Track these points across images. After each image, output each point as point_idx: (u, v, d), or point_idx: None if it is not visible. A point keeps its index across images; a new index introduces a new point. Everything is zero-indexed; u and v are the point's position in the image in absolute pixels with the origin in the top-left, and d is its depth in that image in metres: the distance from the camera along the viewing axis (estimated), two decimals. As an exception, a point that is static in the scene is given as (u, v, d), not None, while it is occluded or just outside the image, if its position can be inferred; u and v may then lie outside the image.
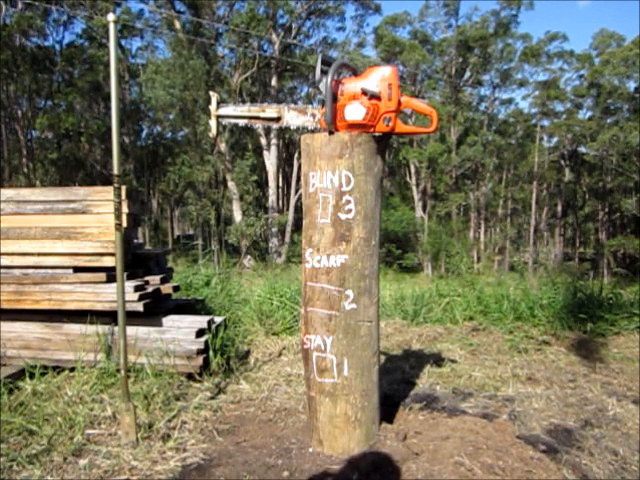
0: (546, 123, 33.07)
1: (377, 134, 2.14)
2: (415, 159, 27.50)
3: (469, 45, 28.73)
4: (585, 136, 30.63)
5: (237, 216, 22.53)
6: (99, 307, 3.09)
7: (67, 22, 25.08)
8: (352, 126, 2.10)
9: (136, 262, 3.45)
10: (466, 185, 31.11)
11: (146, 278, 3.34)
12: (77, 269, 3.20)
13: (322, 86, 2.04)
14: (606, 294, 4.92)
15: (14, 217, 3.29)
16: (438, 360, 3.52)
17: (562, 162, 34.21)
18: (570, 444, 2.29)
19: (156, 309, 3.33)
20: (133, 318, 3.06)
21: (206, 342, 3.15)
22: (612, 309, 4.49)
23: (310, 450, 2.25)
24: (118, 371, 2.88)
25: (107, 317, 3.14)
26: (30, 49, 23.54)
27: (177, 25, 21.92)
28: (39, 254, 3.24)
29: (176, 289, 3.60)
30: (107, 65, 21.44)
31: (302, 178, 2.24)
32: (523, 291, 5.17)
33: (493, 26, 29.38)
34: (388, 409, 2.60)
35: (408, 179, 30.37)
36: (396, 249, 25.35)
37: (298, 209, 24.57)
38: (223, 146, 22.18)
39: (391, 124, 2.09)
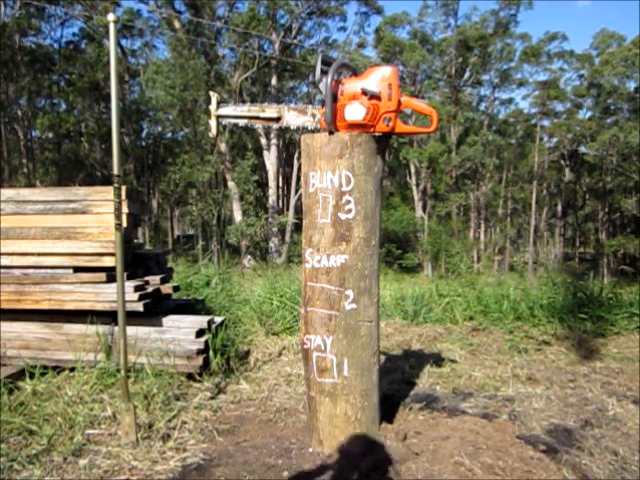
0: (546, 123, 33.05)
1: (377, 134, 2.14)
2: (415, 159, 27.45)
3: (469, 45, 28.66)
4: (585, 136, 30.59)
5: (237, 216, 22.50)
6: (99, 307, 3.10)
7: (65, 21, 25.09)
8: (352, 126, 2.10)
9: (136, 262, 3.45)
10: (466, 185, 31.06)
11: (146, 278, 3.34)
12: (77, 269, 3.20)
13: (322, 86, 2.04)
14: (606, 294, 4.93)
15: (14, 217, 3.29)
16: (438, 360, 3.52)
17: (562, 162, 34.17)
18: (570, 444, 2.29)
19: (156, 309, 3.33)
20: (133, 318, 3.06)
21: (206, 342, 3.15)
22: (612, 309, 4.49)
23: (310, 450, 2.25)
24: (118, 371, 2.88)
25: (107, 317, 3.14)
26: (29, 49, 23.52)
27: (177, 25, 21.91)
28: (39, 254, 3.24)
29: (176, 289, 3.61)
30: (107, 65, 21.43)
31: (302, 178, 2.24)
32: (523, 291, 5.17)
33: (492, 26, 29.35)
34: (388, 409, 2.60)
35: (408, 179, 30.34)
36: (396, 249, 25.31)
37: (298, 209, 24.54)
38: (223, 146, 22.15)
39: (391, 124, 2.09)
